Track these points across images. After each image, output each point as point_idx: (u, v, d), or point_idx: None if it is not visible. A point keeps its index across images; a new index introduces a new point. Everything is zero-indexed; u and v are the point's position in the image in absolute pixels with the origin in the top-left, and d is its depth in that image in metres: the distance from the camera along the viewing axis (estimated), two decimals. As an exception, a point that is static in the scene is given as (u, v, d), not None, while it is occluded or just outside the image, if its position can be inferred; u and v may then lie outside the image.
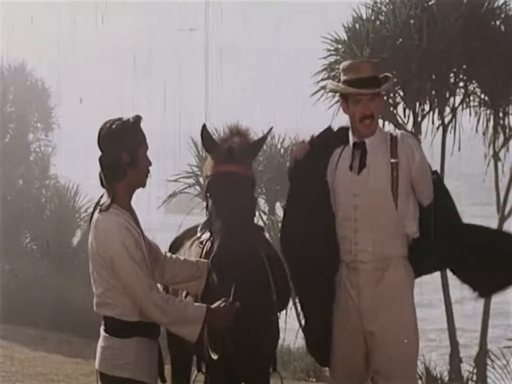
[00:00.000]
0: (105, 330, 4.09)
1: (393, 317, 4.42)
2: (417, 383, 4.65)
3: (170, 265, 4.34)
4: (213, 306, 4.06)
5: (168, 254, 4.39)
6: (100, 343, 4.11)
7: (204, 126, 4.26)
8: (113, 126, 4.03)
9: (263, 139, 4.35)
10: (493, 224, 11.36)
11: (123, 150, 4.01)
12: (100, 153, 4.09)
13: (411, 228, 4.45)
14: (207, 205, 4.29)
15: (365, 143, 4.44)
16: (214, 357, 4.32)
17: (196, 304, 4.15)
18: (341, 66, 4.54)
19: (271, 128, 4.48)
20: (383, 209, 4.39)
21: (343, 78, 4.46)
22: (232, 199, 4.13)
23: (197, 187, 13.71)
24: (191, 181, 13.70)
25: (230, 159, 4.20)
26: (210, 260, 4.12)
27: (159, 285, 4.56)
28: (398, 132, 4.55)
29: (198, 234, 4.70)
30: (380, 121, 10.93)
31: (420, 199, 4.46)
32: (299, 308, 12.22)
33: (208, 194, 4.25)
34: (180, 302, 4.10)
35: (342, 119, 11.32)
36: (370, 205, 4.38)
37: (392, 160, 4.38)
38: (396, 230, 4.42)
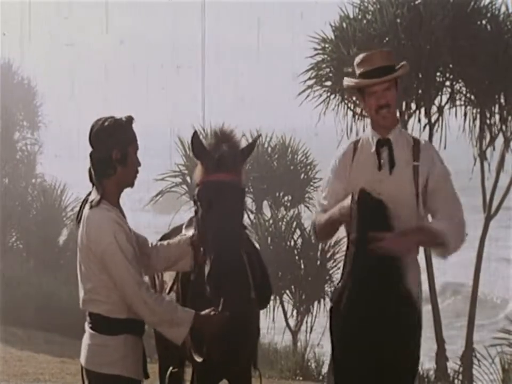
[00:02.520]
0: (92, 328, 4.07)
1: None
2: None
3: (160, 254, 4.33)
4: (202, 312, 4.07)
5: (154, 243, 4.40)
6: (86, 340, 4.09)
7: (195, 133, 4.26)
8: (106, 123, 4.04)
9: (251, 146, 4.33)
10: (479, 223, 11.43)
11: (114, 146, 4.02)
12: (87, 152, 4.08)
13: None
14: (196, 211, 4.28)
15: (390, 140, 4.37)
16: (198, 359, 4.35)
17: (185, 308, 4.15)
18: (355, 60, 4.45)
19: (258, 136, 4.47)
20: (406, 209, 4.30)
21: (357, 72, 4.41)
22: (223, 209, 4.14)
23: (184, 186, 13.70)
24: (178, 180, 13.70)
25: (220, 168, 4.19)
26: (207, 275, 4.10)
27: (146, 278, 4.58)
28: (422, 138, 4.50)
29: (183, 232, 4.71)
30: (367, 120, 11.03)
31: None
32: (286, 307, 12.36)
33: (198, 202, 4.24)
34: (169, 303, 4.11)
35: (328, 118, 11.35)
36: (395, 204, 4.25)
37: (415, 163, 4.31)
38: None
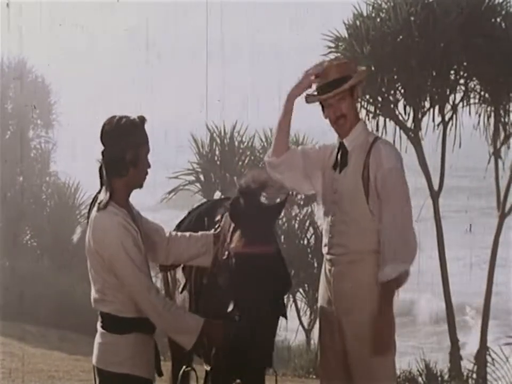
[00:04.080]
0: (103, 327, 4.08)
1: (365, 312, 4.45)
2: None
3: (175, 246, 4.33)
4: (212, 321, 4.06)
5: (173, 233, 4.37)
6: (97, 339, 4.10)
7: (236, 199, 4.18)
8: (120, 123, 4.01)
9: (282, 205, 4.30)
10: (493, 221, 11.39)
11: (128, 147, 3.99)
12: (100, 150, 4.06)
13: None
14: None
15: (343, 144, 4.58)
16: (207, 368, 4.34)
17: (194, 315, 4.14)
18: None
19: (288, 195, 4.47)
20: (356, 205, 4.48)
21: (314, 86, 4.60)
22: (260, 288, 4.06)
23: (197, 184, 13.72)
24: (191, 178, 13.71)
25: (262, 238, 4.11)
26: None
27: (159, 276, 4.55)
28: (381, 138, 4.68)
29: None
30: (381, 119, 11.05)
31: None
32: (299, 306, 12.36)
33: (236, 270, 4.10)
34: (177, 310, 4.11)
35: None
36: (346, 200, 4.50)
37: (365, 163, 4.47)
38: (368, 224, 4.47)
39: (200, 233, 4.43)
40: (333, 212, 4.53)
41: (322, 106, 4.56)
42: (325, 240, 4.59)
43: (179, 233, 4.42)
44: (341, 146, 4.57)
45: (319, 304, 4.71)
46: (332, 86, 4.46)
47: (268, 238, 4.16)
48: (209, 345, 4.21)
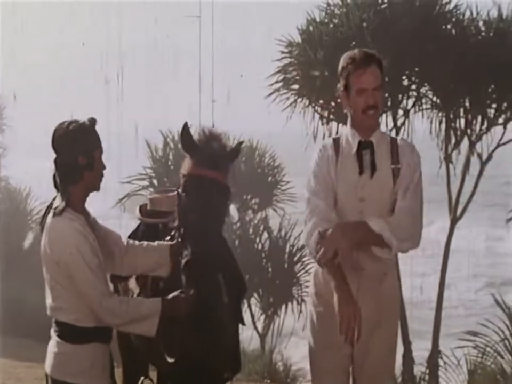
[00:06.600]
0: (59, 336, 4.02)
1: (394, 322, 4.36)
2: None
3: (132, 257, 4.28)
4: (169, 296, 4.02)
5: (131, 243, 4.32)
6: (53, 348, 4.04)
7: (185, 125, 4.16)
8: (70, 127, 3.97)
9: (237, 151, 4.25)
10: (446, 225, 11.49)
11: (80, 152, 3.96)
12: (53, 155, 4.02)
13: None
14: (178, 202, 4.18)
15: (372, 143, 4.18)
16: (170, 360, 4.25)
17: (151, 299, 4.11)
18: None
19: (241, 142, 4.41)
20: (386, 212, 4.19)
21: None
22: (212, 206, 4.06)
23: (151, 189, 13.63)
24: (145, 183, 13.63)
25: (213, 166, 4.11)
26: (187, 262, 4.00)
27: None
28: (398, 137, 4.38)
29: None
30: (335, 124, 11.10)
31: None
32: (253, 310, 12.33)
33: (184, 193, 4.14)
34: (134, 301, 4.09)
35: (295, 122, 11.35)
36: (375, 209, 4.16)
37: (393, 166, 4.18)
38: None
39: (157, 243, 4.37)
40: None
41: (347, 93, 4.17)
42: None
43: (136, 243, 4.36)
44: (365, 145, 4.19)
45: (315, 321, 4.32)
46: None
47: (222, 171, 4.10)
48: (173, 331, 4.13)
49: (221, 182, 4.10)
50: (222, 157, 4.15)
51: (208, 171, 4.09)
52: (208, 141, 4.18)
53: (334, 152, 4.23)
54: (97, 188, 4.07)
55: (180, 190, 4.18)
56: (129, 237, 4.76)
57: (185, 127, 4.16)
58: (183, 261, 4.00)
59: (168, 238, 4.41)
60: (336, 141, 4.27)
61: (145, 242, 4.37)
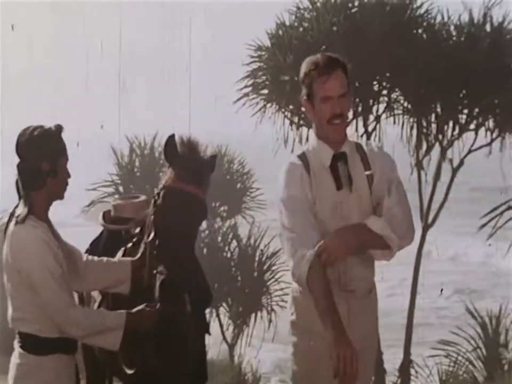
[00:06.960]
0: (22, 347, 3.95)
1: (374, 338, 4.29)
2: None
3: (91, 274, 4.22)
4: (133, 310, 3.99)
5: (90, 259, 4.27)
6: (16, 359, 3.97)
7: (172, 136, 4.06)
8: (35, 133, 3.93)
9: (212, 165, 4.12)
10: (417, 233, 11.40)
11: (44, 158, 3.92)
12: (16, 160, 3.96)
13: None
14: (153, 214, 4.12)
15: (345, 154, 3.95)
16: (129, 371, 4.21)
17: (115, 311, 4.07)
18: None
19: (215, 155, 4.22)
20: None
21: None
22: (188, 222, 4.03)
23: (116, 196, 13.44)
24: (110, 189, 13.48)
25: (196, 181, 4.04)
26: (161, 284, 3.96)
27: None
28: (360, 142, 4.12)
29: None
30: (305, 129, 10.99)
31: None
32: (222, 320, 12.21)
33: (163, 204, 4.05)
34: (98, 313, 4.08)
35: (265, 127, 11.22)
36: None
37: (367, 173, 3.98)
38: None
39: (118, 259, 4.33)
40: None
41: (311, 101, 3.95)
42: (332, 275, 3.84)
43: (96, 259, 4.28)
44: (338, 157, 3.94)
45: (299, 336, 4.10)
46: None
47: (203, 187, 4.05)
48: (135, 343, 4.05)
49: (201, 198, 4.05)
50: (204, 173, 4.09)
51: (190, 186, 4.03)
52: (190, 153, 4.09)
53: (304, 170, 3.95)
54: (61, 196, 4.01)
55: (159, 201, 4.09)
56: (91, 244, 4.78)
57: (171, 139, 4.06)
58: (159, 279, 3.94)
59: (130, 244, 4.39)
60: (303, 158, 4.00)
61: (105, 258, 4.31)
